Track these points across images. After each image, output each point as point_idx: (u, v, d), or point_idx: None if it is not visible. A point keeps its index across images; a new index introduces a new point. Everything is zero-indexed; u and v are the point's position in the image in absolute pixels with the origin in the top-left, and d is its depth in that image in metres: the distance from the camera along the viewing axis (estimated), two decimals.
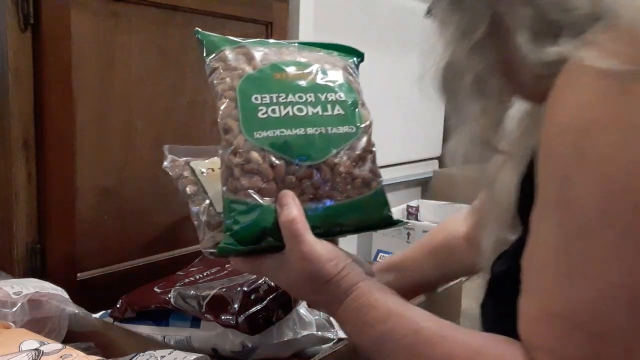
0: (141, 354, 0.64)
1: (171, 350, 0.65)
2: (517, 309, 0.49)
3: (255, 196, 0.56)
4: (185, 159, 0.69)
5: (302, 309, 0.86)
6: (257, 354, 0.79)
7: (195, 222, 0.62)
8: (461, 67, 0.54)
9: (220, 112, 0.59)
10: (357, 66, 0.69)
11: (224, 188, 0.57)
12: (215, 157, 0.69)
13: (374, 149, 0.64)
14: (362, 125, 0.63)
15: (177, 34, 1.12)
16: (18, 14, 0.88)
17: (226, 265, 0.94)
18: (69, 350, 0.63)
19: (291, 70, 0.62)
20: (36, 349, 0.62)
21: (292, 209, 0.57)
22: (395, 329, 0.54)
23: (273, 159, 0.57)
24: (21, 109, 0.91)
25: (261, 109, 0.58)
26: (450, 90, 0.56)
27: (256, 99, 0.59)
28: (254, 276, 0.83)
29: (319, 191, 0.59)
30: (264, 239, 0.57)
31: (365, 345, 0.57)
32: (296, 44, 0.67)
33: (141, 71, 1.07)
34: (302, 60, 0.64)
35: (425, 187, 2.31)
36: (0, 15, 0.87)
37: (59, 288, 0.82)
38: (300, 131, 0.59)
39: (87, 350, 0.70)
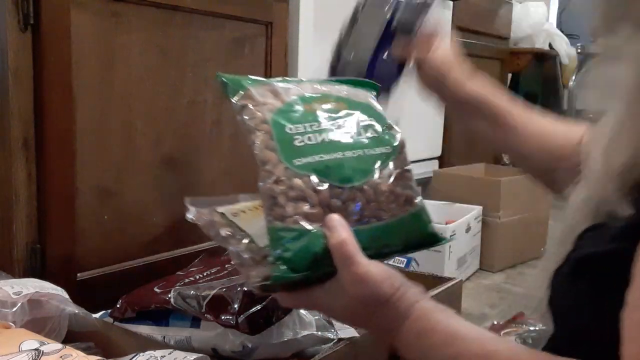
0: (141, 354, 0.64)
1: (171, 350, 0.65)
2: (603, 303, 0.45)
3: (303, 222, 0.56)
4: (209, 208, 0.69)
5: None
6: (257, 354, 0.79)
7: (237, 262, 0.61)
8: None
9: (256, 145, 0.59)
10: (375, 97, 0.71)
11: (269, 218, 0.56)
12: (241, 202, 0.71)
13: (410, 167, 0.65)
14: (396, 144, 0.64)
15: (177, 34, 1.12)
16: (18, 14, 0.88)
17: (226, 266, 0.94)
18: (69, 350, 0.63)
19: (318, 101, 0.64)
20: (36, 349, 0.62)
21: (341, 232, 0.55)
22: (462, 353, 0.51)
23: (316, 183, 0.57)
24: (21, 109, 0.91)
25: (297, 138, 0.59)
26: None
27: (290, 129, 0.60)
28: None
29: (365, 212, 0.59)
30: (316, 266, 0.56)
31: None
32: (315, 80, 0.69)
33: (141, 71, 1.07)
34: (326, 91, 0.66)
35: (425, 187, 2.31)
36: (0, 15, 0.87)
37: (59, 288, 0.82)
38: (338, 155, 0.60)
39: (87, 350, 0.70)
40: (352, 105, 0.65)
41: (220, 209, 0.69)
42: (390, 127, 0.66)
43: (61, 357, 0.61)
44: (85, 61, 0.98)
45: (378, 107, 0.68)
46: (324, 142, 0.60)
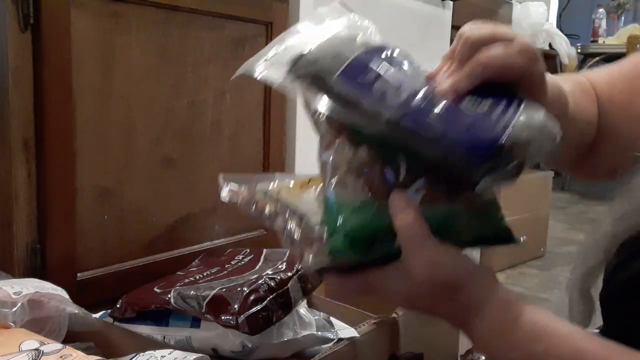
0: (141, 354, 0.64)
1: (171, 350, 0.65)
2: None
3: (365, 194, 0.51)
4: (247, 185, 0.65)
5: (302, 309, 0.86)
6: (257, 354, 0.79)
7: (287, 241, 0.55)
8: None
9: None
10: None
11: (328, 189, 0.51)
12: (283, 180, 0.63)
13: None
14: None
15: (177, 34, 1.12)
16: (18, 14, 0.88)
17: (226, 266, 0.94)
18: (69, 350, 0.63)
19: None
20: (36, 349, 0.62)
21: (410, 211, 0.49)
22: (549, 351, 0.47)
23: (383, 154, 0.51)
24: (21, 109, 0.91)
25: None
26: None
27: None
28: (254, 276, 0.83)
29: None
30: (376, 242, 0.50)
31: None
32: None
33: (141, 71, 1.07)
34: None
35: None
36: (1, 15, 0.87)
37: (59, 288, 0.82)
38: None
39: (87, 350, 0.70)
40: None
41: (261, 186, 0.62)
42: None
43: (61, 357, 0.61)
44: (85, 61, 0.98)
45: None
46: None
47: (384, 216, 0.50)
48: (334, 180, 0.52)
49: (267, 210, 0.58)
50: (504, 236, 0.57)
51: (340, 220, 0.50)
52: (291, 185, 0.57)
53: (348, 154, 0.51)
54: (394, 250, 0.50)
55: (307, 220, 0.55)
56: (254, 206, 0.59)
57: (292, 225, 0.55)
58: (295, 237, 0.54)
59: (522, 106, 0.50)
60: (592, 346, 0.46)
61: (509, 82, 0.51)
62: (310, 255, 0.52)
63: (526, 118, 0.49)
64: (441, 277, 0.49)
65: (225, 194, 0.61)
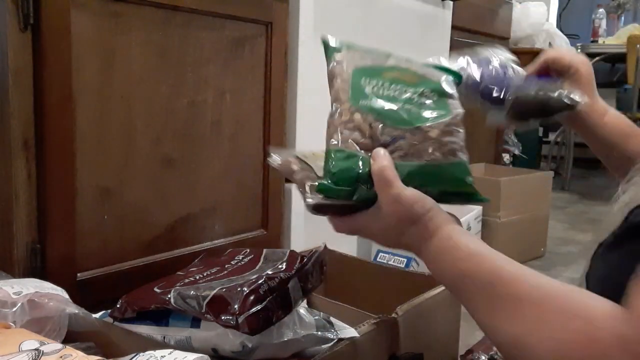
0: (141, 354, 0.64)
1: (171, 350, 0.64)
2: None
3: (354, 147, 0.66)
4: (287, 152, 0.80)
5: (302, 309, 0.86)
6: (257, 354, 0.79)
7: (299, 187, 0.70)
8: None
9: (334, 86, 0.71)
10: (453, 83, 0.78)
11: (331, 142, 0.67)
12: (316, 150, 0.79)
13: (462, 130, 0.72)
14: (454, 111, 0.73)
15: (177, 34, 1.12)
16: (18, 14, 0.88)
17: (226, 266, 0.94)
18: (69, 350, 0.63)
19: (397, 71, 0.75)
20: (36, 349, 0.62)
21: (384, 160, 0.63)
22: (475, 268, 0.56)
23: (372, 120, 0.68)
24: (21, 109, 0.91)
25: (367, 87, 0.71)
26: None
27: (364, 81, 0.72)
28: (254, 277, 0.83)
29: (410, 151, 0.68)
30: (357, 185, 0.65)
31: (447, 283, 0.61)
32: (404, 57, 0.79)
33: (141, 71, 1.07)
34: (408, 66, 0.77)
35: None
36: (1, 15, 0.87)
37: (59, 288, 0.82)
38: (398, 105, 0.70)
39: (87, 350, 0.70)
40: (424, 81, 0.75)
41: (295, 152, 0.78)
42: (450, 98, 0.74)
43: (61, 357, 0.61)
44: (85, 61, 0.98)
45: (448, 88, 0.76)
46: (388, 96, 0.71)
47: (365, 165, 0.65)
48: (334, 135, 0.68)
49: (292, 167, 0.73)
50: (469, 194, 0.72)
51: (330, 165, 0.66)
52: (313, 153, 0.73)
53: (345, 117, 0.68)
54: (372, 196, 0.65)
55: (315, 173, 0.70)
56: (286, 167, 0.74)
57: (302, 174, 0.71)
58: (305, 181, 0.69)
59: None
60: (507, 265, 0.56)
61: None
62: (307, 193, 0.67)
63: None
64: (403, 211, 0.62)
65: (271, 159, 0.76)
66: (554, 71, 0.88)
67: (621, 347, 0.44)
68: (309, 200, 0.66)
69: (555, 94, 0.84)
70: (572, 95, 0.83)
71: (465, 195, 0.72)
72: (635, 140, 0.86)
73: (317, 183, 0.66)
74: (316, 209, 0.67)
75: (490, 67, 0.88)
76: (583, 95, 0.83)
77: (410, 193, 0.62)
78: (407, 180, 0.65)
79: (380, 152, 0.64)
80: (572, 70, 0.86)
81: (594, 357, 0.46)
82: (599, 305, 0.48)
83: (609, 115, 0.87)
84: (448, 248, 0.60)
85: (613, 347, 0.45)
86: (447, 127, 0.71)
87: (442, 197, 0.69)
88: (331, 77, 0.73)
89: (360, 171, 0.65)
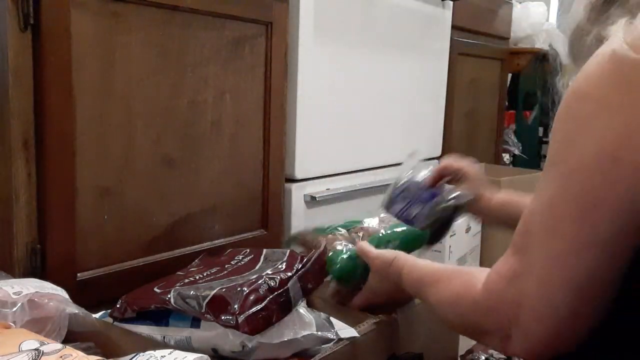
0: (141, 354, 0.64)
1: (171, 350, 0.65)
2: None
3: (344, 248, 1.06)
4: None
5: (302, 309, 0.86)
6: (257, 354, 0.79)
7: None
8: (584, 30, 0.62)
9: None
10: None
11: (336, 248, 1.07)
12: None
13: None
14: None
15: (177, 34, 1.12)
16: (18, 14, 0.88)
17: (226, 266, 0.94)
18: (69, 350, 0.63)
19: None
20: (36, 349, 0.62)
21: (362, 244, 1.02)
22: (415, 276, 0.85)
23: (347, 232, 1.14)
24: (21, 109, 0.91)
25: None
26: (575, 55, 0.65)
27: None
28: (254, 276, 0.83)
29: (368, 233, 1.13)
30: (354, 268, 1.02)
31: (413, 292, 0.87)
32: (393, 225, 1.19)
33: (141, 71, 1.07)
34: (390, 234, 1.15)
35: None
36: (1, 15, 0.87)
37: (59, 288, 0.82)
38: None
39: (87, 350, 0.70)
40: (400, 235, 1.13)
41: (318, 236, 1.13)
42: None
43: (61, 357, 0.61)
44: (85, 61, 0.98)
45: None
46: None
47: (357, 259, 1.02)
48: (335, 244, 1.07)
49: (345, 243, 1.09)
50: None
51: (335, 266, 1.03)
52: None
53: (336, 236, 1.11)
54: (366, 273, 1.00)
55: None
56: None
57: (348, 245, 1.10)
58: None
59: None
60: (429, 269, 0.81)
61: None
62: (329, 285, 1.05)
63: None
64: (381, 264, 0.95)
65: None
66: (447, 176, 1.15)
67: (485, 296, 0.65)
68: (330, 289, 1.07)
69: (444, 204, 1.10)
70: (455, 196, 1.10)
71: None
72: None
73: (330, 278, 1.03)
74: (338, 293, 1.07)
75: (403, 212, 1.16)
76: (468, 192, 1.10)
77: (380, 251, 0.98)
78: (376, 245, 1.04)
79: (359, 242, 1.05)
80: (460, 172, 1.14)
81: (467, 303, 0.67)
82: (476, 271, 0.71)
83: (495, 201, 1.09)
84: (412, 273, 0.86)
85: (479, 293, 0.65)
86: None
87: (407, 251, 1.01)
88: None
89: (352, 260, 1.03)
